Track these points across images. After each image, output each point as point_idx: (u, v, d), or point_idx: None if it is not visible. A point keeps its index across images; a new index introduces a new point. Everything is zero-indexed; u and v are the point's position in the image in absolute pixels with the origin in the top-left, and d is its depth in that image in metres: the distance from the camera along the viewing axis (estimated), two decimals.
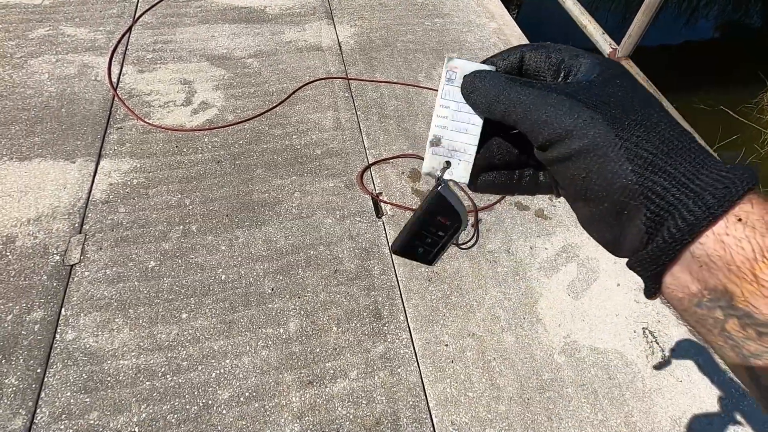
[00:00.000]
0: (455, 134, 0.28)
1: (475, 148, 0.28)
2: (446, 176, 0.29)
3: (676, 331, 1.46)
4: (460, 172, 0.29)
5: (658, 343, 1.42)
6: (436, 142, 0.28)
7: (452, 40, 2.51)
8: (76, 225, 1.55)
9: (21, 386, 1.21)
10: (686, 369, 1.38)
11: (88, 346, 1.30)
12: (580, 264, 1.60)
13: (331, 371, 1.30)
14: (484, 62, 0.28)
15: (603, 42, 1.80)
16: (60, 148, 1.77)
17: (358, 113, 2.05)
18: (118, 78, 2.07)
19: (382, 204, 1.71)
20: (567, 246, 1.65)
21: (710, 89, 3.32)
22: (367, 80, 2.20)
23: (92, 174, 1.70)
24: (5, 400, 1.18)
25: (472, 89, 0.27)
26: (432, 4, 2.74)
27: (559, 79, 0.26)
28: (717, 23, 4.41)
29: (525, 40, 2.56)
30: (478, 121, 0.28)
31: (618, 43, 1.74)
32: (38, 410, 1.18)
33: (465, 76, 0.27)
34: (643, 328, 1.45)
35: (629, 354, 1.40)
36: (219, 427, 1.19)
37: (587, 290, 1.54)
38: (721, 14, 4.50)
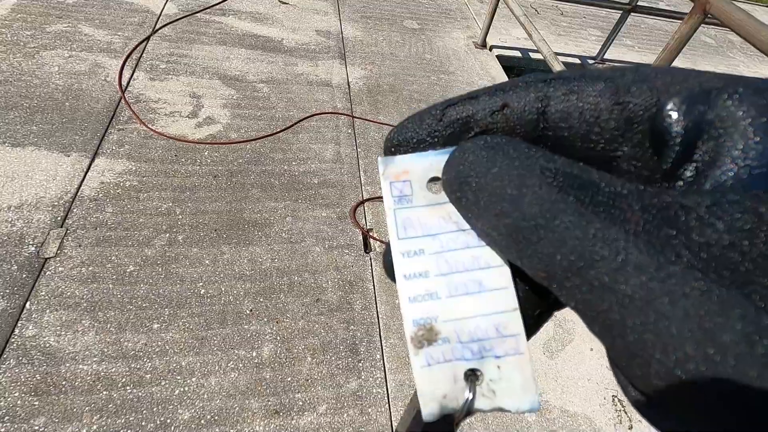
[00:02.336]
0: (459, 302, 0.14)
1: (518, 317, 0.14)
2: (482, 405, 0.14)
3: None
4: (513, 386, 0.14)
5: (626, 413, 1.44)
6: (427, 337, 0.14)
7: (454, 96, 2.65)
8: (59, 218, 1.51)
9: None
10: None
11: (47, 345, 1.23)
12: (557, 324, 1.63)
13: (300, 403, 1.26)
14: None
15: None
16: (57, 140, 1.75)
17: (359, 150, 2.11)
18: (128, 82, 2.10)
19: (371, 240, 1.73)
20: None
21: None
22: (371, 120, 2.29)
23: (85, 170, 1.68)
24: None
25: (476, 184, 0.13)
26: (439, 61, 2.91)
27: (667, 176, 0.13)
28: None
29: None
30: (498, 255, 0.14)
31: None
32: None
33: (452, 158, 0.14)
34: (612, 395, 1.47)
35: (598, 420, 1.40)
36: None
37: (562, 351, 1.56)
38: None
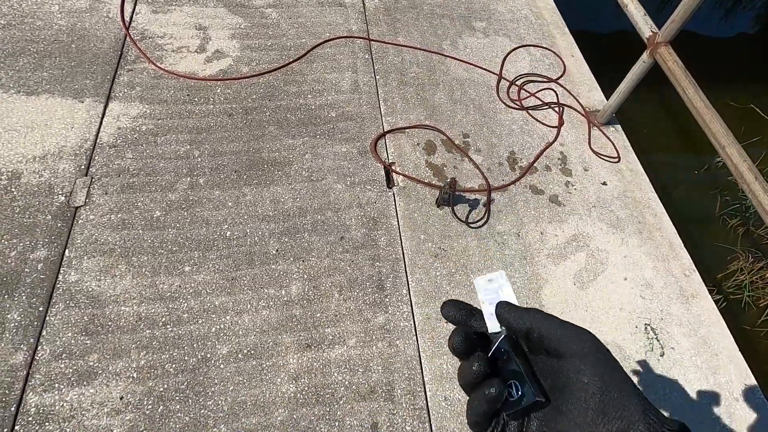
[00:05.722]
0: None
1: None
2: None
3: (678, 330, 1.45)
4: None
5: (658, 340, 1.42)
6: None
7: (481, 7, 2.38)
8: (83, 167, 1.52)
9: (23, 323, 1.22)
10: (683, 368, 1.38)
11: (90, 289, 1.30)
12: (590, 254, 1.58)
13: (330, 337, 1.31)
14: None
15: (643, 24, 1.69)
16: (68, 85, 1.71)
17: (377, 77, 1.97)
18: (131, 17, 1.98)
19: (394, 174, 1.67)
20: (578, 235, 1.62)
21: (745, 85, 3.19)
22: (390, 43, 2.11)
23: (100, 116, 1.65)
24: (7, 335, 1.20)
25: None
26: None
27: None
28: (758, 16, 4.18)
29: (558, 15, 2.44)
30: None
31: (659, 27, 1.64)
32: (39, 347, 1.19)
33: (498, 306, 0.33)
34: (645, 324, 1.44)
35: (628, 348, 1.39)
36: (216, 381, 1.20)
37: (593, 281, 1.52)
38: (764, 7, 4.26)
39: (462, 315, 0.35)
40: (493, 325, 0.33)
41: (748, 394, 1.35)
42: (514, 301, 0.33)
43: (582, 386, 0.26)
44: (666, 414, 1.22)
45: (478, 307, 0.34)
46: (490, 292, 0.34)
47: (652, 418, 0.24)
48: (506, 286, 0.34)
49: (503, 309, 0.33)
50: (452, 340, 0.33)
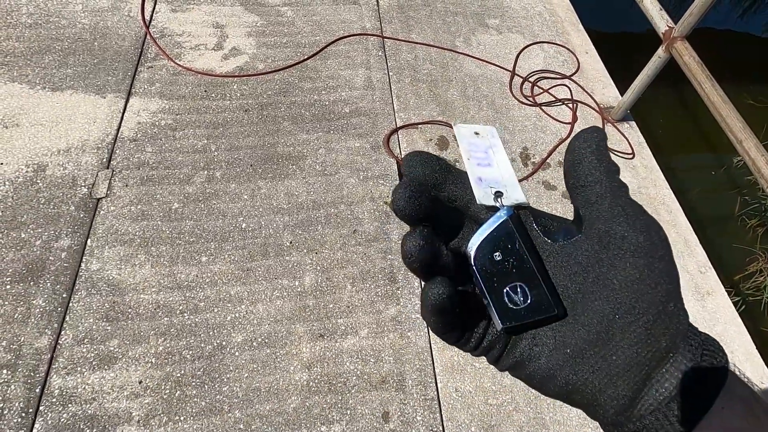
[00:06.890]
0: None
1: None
2: (506, 202, 0.24)
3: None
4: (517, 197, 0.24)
5: None
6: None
7: (495, 4, 2.38)
8: (104, 160, 1.57)
9: (47, 308, 1.26)
10: None
11: (111, 277, 1.34)
12: None
13: (343, 327, 1.33)
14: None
15: (659, 19, 1.68)
16: (91, 81, 1.76)
17: (391, 74, 1.98)
18: (151, 16, 2.04)
19: None
20: None
21: (763, 84, 3.13)
22: (403, 40, 2.12)
23: (121, 111, 1.70)
24: (32, 320, 1.24)
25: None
26: None
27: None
28: None
29: (572, 12, 2.43)
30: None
31: (675, 22, 1.62)
32: (62, 332, 1.24)
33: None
34: None
35: None
36: (231, 368, 1.23)
37: None
38: None
39: (434, 174, 0.22)
40: (483, 195, 0.22)
41: (766, 394, 1.33)
42: (512, 174, 0.24)
43: (633, 296, 0.19)
44: None
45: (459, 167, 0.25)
46: (477, 148, 0.24)
47: (694, 338, 0.19)
48: (499, 148, 0.25)
49: (588, 148, 0.22)
50: (405, 246, 0.20)
